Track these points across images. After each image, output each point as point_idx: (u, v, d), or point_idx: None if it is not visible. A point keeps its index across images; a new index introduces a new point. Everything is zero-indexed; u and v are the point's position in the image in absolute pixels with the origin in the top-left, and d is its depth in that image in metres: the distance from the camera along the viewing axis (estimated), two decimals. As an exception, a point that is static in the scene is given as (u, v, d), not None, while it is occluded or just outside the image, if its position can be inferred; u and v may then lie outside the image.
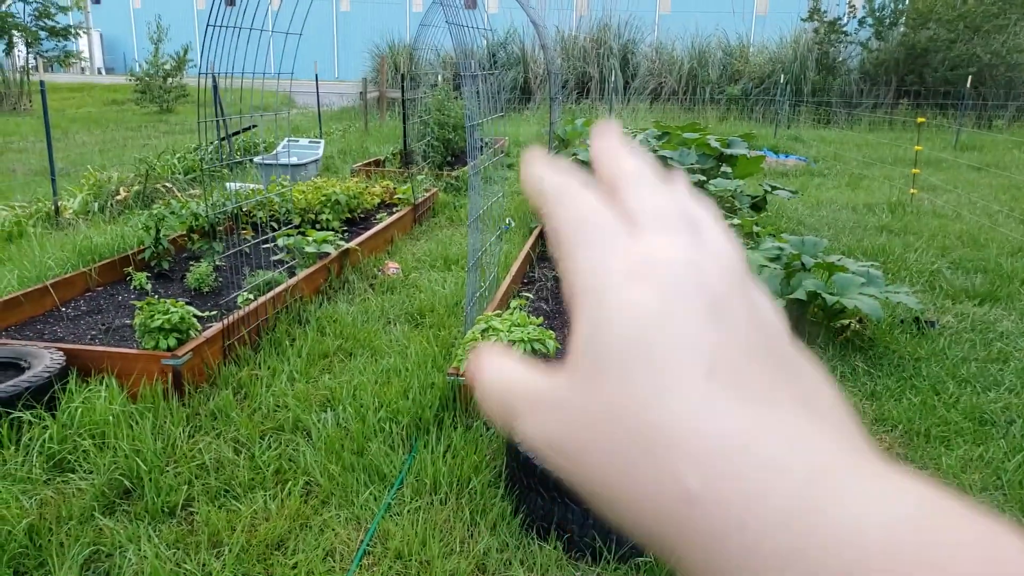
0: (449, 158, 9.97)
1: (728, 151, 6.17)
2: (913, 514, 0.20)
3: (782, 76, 17.06)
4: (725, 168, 6.16)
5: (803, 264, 4.37)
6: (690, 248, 0.26)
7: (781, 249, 4.51)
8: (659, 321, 0.24)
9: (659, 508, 0.22)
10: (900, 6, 18.65)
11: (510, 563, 2.46)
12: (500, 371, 0.28)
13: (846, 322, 4.35)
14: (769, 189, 6.10)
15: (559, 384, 0.26)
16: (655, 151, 6.28)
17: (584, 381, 0.24)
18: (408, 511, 2.69)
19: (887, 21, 18.81)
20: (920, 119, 9.15)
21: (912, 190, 8.49)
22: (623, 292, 0.25)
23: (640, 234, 0.26)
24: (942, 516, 0.20)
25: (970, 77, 13.85)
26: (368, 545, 2.53)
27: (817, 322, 4.33)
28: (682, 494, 0.21)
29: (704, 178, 5.72)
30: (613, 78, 18.96)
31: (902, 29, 18.68)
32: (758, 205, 6.17)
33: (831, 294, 4.08)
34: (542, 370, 0.27)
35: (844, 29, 18.94)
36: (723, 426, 0.22)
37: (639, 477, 0.22)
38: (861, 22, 19.14)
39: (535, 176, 0.30)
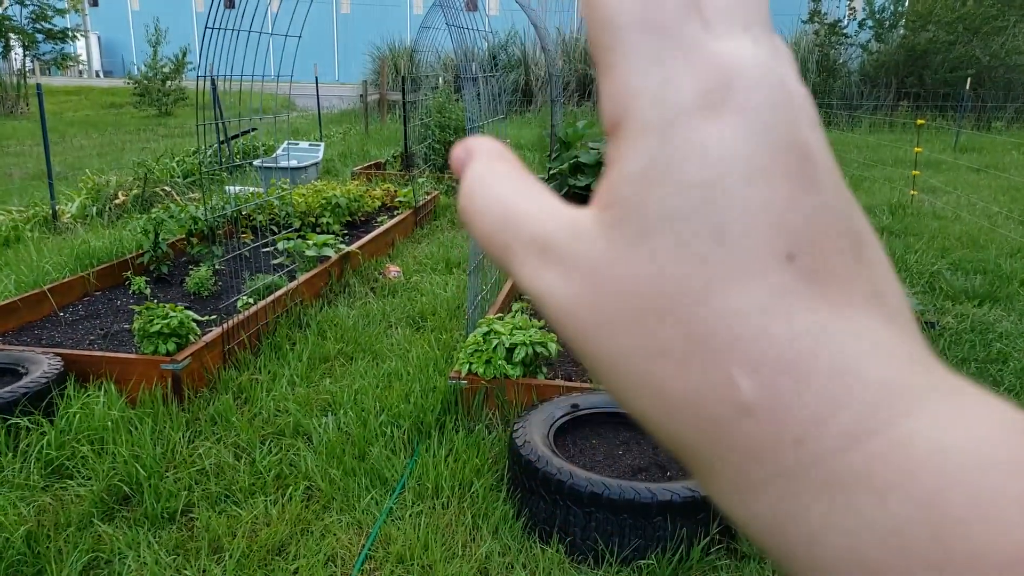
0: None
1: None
2: (998, 435, 0.17)
3: (781, 78, 17.05)
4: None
5: (805, 266, 4.36)
6: (771, 64, 0.19)
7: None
8: (744, 177, 0.18)
9: (701, 414, 0.18)
10: (900, 8, 18.66)
11: (512, 567, 2.45)
12: (497, 184, 0.22)
13: (848, 324, 4.34)
14: (770, 191, 6.09)
15: (586, 232, 0.20)
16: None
17: (627, 239, 0.19)
18: (410, 515, 2.67)
19: (887, 23, 18.83)
20: (920, 121, 9.15)
21: (912, 192, 8.48)
22: (699, 129, 0.19)
23: (714, 31, 0.19)
24: None
25: (969, 79, 13.86)
26: (370, 550, 2.51)
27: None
28: (733, 401, 0.18)
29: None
30: (612, 80, 18.95)
31: (902, 31, 18.70)
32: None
33: (833, 296, 4.07)
34: (557, 201, 0.21)
35: (844, 31, 18.96)
36: (794, 327, 0.18)
37: (682, 376, 0.18)
38: (861, 24, 19.15)
39: None
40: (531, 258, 0.20)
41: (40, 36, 19.09)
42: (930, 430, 0.17)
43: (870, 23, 18.93)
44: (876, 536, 0.17)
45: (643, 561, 2.43)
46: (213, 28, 3.58)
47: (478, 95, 3.79)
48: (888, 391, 0.18)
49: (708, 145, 0.18)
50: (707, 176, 0.18)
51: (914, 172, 8.59)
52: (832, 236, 0.19)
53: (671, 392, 0.19)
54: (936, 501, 0.17)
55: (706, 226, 0.18)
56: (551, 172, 6.84)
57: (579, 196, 6.41)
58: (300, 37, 4.22)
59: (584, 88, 19.83)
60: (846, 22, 19.13)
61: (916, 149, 8.63)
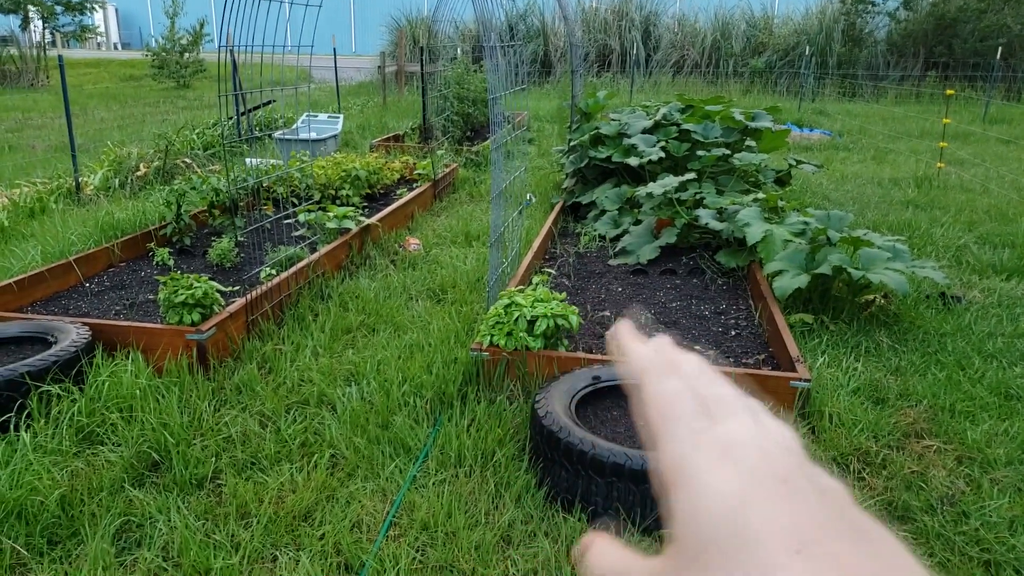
0: (469, 133, 9.91)
1: (753, 124, 6.07)
2: None
3: (807, 48, 16.74)
4: (750, 142, 6.06)
5: (828, 239, 4.31)
6: (756, 433, 0.31)
7: (806, 223, 4.45)
8: (746, 503, 0.28)
9: None
10: (929, -25, 18.18)
11: (535, 535, 2.47)
12: (605, 556, 0.33)
13: (871, 297, 4.29)
14: (794, 163, 6.00)
15: (661, 568, 0.29)
16: (678, 124, 6.19)
17: (686, 564, 0.28)
18: (433, 483, 2.70)
19: (915, -10, 18.35)
20: (949, 91, 8.95)
21: (939, 164, 8.33)
22: (711, 478, 0.29)
23: (715, 420, 0.32)
24: None
25: (1000, 48, 13.50)
26: (394, 516, 2.55)
27: (842, 297, 4.28)
28: None
29: (729, 152, 5.63)
30: (635, 51, 18.70)
31: (930, -1, 18.23)
32: (782, 179, 6.08)
33: (856, 269, 4.03)
34: (643, 555, 0.32)
35: (870, -1, 18.52)
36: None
37: None
38: (888, -8, 18.69)
39: (627, 348, 0.37)
40: None
41: (59, 8, 19.11)
42: None
43: (898, -9, 18.46)
44: None
45: (664, 531, 2.44)
46: (234, -2, 3.56)
47: (497, 66, 3.76)
48: None
49: (719, 488, 0.28)
50: (724, 506, 0.28)
51: (942, 144, 8.44)
52: (824, 526, 0.27)
53: None
54: None
55: (734, 540, 0.27)
56: (571, 144, 6.78)
57: (600, 167, 6.35)
58: (320, 6, 4.20)
59: (604, 59, 19.58)
60: (873, -10, 18.67)
61: (944, 120, 8.46)
